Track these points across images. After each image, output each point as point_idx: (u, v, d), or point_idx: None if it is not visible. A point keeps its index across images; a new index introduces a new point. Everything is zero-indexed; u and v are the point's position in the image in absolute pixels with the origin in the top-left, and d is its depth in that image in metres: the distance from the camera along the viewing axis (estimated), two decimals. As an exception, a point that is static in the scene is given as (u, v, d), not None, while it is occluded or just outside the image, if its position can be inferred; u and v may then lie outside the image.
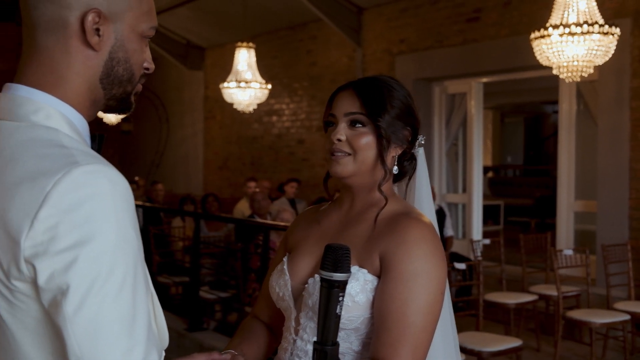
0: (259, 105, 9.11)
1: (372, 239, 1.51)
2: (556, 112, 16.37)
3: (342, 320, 1.44)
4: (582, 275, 6.22)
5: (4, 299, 1.07)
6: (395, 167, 1.60)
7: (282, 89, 10.86)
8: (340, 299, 1.22)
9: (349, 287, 1.43)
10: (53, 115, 1.13)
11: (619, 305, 5.67)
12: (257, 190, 8.00)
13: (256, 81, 8.53)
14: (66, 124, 1.14)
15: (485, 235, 8.53)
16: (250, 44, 8.52)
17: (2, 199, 1.04)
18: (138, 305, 1.04)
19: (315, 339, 1.51)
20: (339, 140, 1.56)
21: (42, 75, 1.15)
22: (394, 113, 1.56)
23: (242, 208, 8.76)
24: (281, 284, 1.60)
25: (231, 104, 8.95)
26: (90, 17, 1.13)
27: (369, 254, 1.49)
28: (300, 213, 1.83)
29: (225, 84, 8.53)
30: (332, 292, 1.21)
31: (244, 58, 8.50)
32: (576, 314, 5.47)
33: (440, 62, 8.40)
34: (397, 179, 1.66)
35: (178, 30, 12.01)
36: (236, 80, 8.47)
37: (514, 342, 4.67)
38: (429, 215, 1.62)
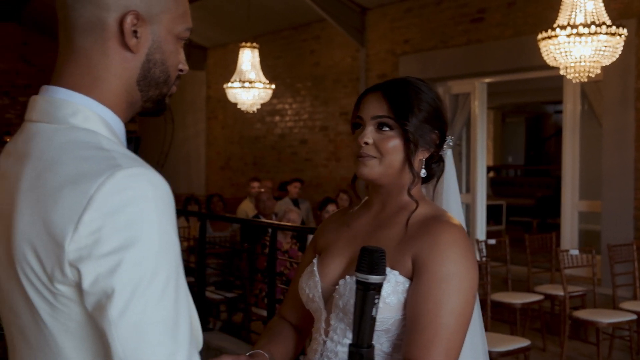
0: (261, 105, 9.13)
1: (404, 241, 1.51)
2: (557, 112, 16.39)
3: None
4: (587, 276, 6.23)
5: (46, 302, 1.07)
6: (423, 171, 1.60)
7: (285, 89, 10.86)
8: (376, 301, 1.22)
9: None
10: (91, 118, 1.13)
11: (625, 305, 5.68)
12: (263, 190, 8.01)
13: (260, 81, 8.54)
14: (104, 126, 1.14)
15: (487, 235, 8.54)
16: (255, 44, 8.53)
17: (45, 203, 1.04)
18: (180, 308, 1.04)
19: (345, 340, 1.52)
20: (366, 143, 1.56)
21: (80, 76, 1.15)
22: (421, 116, 1.56)
23: (246, 208, 8.77)
24: (311, 285, 1.60)
25: (233, 104, 8.96)
26: (128, 19, 1.13)
27: (400, 256, 1.49)
28: (329, 215, 1.83)
29: (229, 84, 8.54)
30: (368, 295, 1.21)
31: (248, 58, 8.51)
32: (583, 314, 5.48)
33: (444, 62, 8.41)
34: (425, 180, 1.65)
35: (180, 30, 11.98)
36: (240, 80, 8.48)
37: (522, 342, 4.68)
38: (458, 216, 1.62)
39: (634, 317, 5.44)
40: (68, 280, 1.03)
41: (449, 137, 1.65)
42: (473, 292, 1.46)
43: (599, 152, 7.10)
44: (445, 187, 1.69)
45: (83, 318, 1.06)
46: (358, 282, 1.23)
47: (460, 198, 1.72)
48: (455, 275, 1.44)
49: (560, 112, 14.76)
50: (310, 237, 6.17)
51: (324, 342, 1.56)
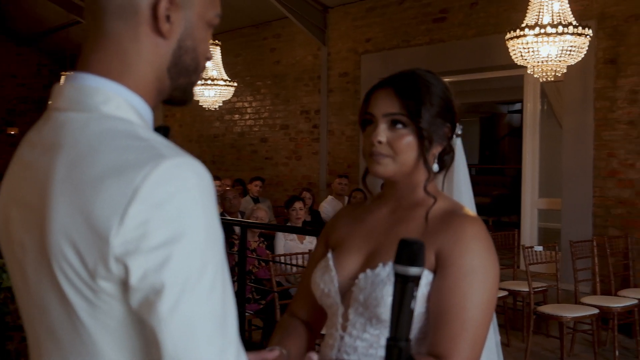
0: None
1: (425, 236, 1.50)
2: (511, 112, 16.67)
3: None
4: (548, 272, 6.35)
5: (85, 300, 1.01)
6: (436, 165, 1.59)
7: (245, 87, 10.79)
8: (415, 293, 1.20)
9: None
10: (123, 106, 1.08)
11: (586, 299, 5.82)
12: (228, 188, 7.93)
13: (222, 79, 8.47)
14: (135, 114, 1.09)
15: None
16: (217, 42, 8.45)
17: (84, 194, 0.99)
18: (227, 302, 1.01)
19: (365, 334, 1.51)
20: (380, 142, 1.53)
21: (110, 63, 1.10)
22: (434, 111, 1.54)
23: (206, 207, 8.67)
24: (327, 279, 1.58)
25: (193, 102, 8.84)
26: (163, 3, 1.09)
27: None
28: (339, 210, 1.80)
29: (191, 82, 8.43)
30: (407, 287, 1.19)
31: (209, 55, 8.42)
32: (547, 309, 5.59)
33: (407, 61, 8.46)
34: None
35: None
36: (202, 78, 8.39)
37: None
38: (470, 204, 1.63)
39: (596, 311, 5.57)
40: (112, 276, 0.98)
41: (459, 124, 1.64)
42: (496, 286, 1.47)
43: (558, 151, 7.25)
44: (455, 176, 1.68)
45: (124, 315, 1.01)
46: (397, 275, 1.21)
47: (471, 186, 1.72)
48: (480, 269, 1.44)
49: (515, 112, 15.05)
50: (279, 234, 6.16)
51: (342, 337, 1.54)
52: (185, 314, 0.96)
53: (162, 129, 1.21)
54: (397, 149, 1.52)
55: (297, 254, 5.65)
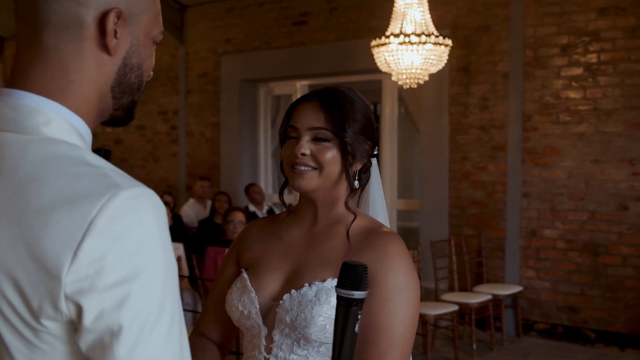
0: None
1: (349, 254, 1.50)
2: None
3: (323, 335, 1.42)
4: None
5: (24, 342, 0.92)
6: (356, 182, 1.59)
7: (97, 86, 10.31)
8: (359, 317, 1.19)
9: (331, 302, 1.42)
10: (65, 128, 0.99)
11: (446, 296, 6.11)
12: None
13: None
14: (78, 137, 1.01)
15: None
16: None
17: (30, 226, 0.89)
18: (183, 339, 0.96)
19: (292, 356, 1.48)
20: (303, 154, 1.52)
21: (50, 80, 1.00)
22: (357, 128, 1.55)
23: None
24: (246, 301, 1.53)
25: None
26: (111, 17, 1.01)
27: None
28: (248, 225, 1.73)
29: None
30: (351, 311, 1.18)
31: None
32: (411, 308, 5.79)
33: (267, 63, 8.47)
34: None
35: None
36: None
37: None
38: (385, 223, 1.64)
39: (456, 307, 5.86)
40: (61, 316, 0.89)
41: (375, 146, 1.66)
42: (419, 300, 1.51)
43: (415, 154, 7.54)
44: (371, 195, 1.70)
45: (66, 357, 0.93)
46: (340, 298, 1.19)
47: (385, 205, 1.73)
48: (405, 286, 1.46)
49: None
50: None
51: (266, 359, 1.50)
52: (144, 356, 0.90)
53: (102, 152, 1.13)
54: (321, 161, 1.52)
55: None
